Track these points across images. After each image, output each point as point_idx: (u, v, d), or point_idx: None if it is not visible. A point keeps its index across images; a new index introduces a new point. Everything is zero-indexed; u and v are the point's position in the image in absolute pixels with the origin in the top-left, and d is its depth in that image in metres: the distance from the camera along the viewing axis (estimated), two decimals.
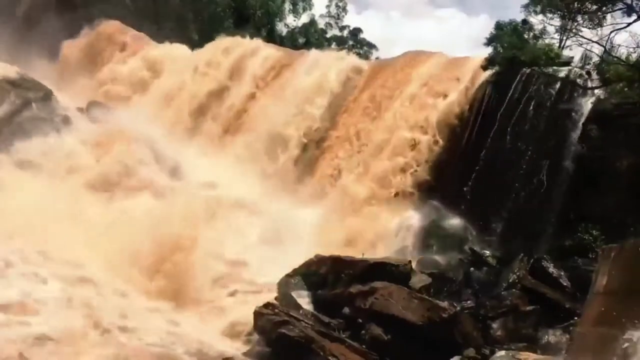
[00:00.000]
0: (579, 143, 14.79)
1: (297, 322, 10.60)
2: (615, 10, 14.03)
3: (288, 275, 12.77)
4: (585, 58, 16.82)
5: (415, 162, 17.44)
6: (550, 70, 16.19)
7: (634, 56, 14.33)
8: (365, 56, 32.11)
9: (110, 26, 27.83)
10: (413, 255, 14.44)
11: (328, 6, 37.76)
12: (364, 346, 10.55)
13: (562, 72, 16.16)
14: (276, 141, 20.52)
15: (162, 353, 10.57)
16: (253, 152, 20.67)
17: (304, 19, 36.49)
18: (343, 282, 12.03)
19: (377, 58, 31.47)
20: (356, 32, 37.70)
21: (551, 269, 12.38)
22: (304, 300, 12.04)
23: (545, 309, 11.49)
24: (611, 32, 14.05)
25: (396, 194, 17.11)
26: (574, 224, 13.62)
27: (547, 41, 16.99)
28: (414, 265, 13.01)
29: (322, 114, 20.53)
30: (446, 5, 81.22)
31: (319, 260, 12.77)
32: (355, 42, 37.20)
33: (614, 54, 14.49)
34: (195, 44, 26.48)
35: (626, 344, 5.81)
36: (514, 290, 11.99)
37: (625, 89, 14.25)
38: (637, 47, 13.88)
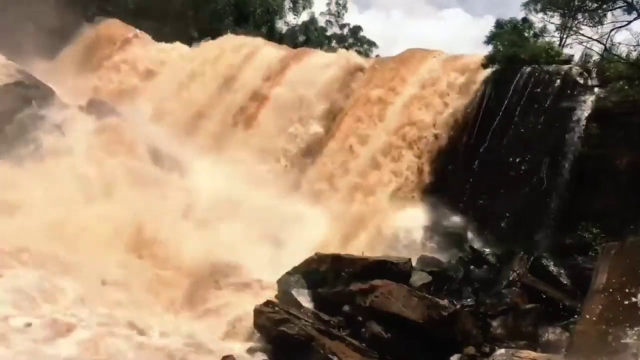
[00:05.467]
0: (579, 141, 14.80)
1: (297, 320, 10.60)
2: (616, 8, 14.06)
3: (288, 273, 12.77)
4: (586, 56, 16.88)
5: (416, 160, 17.44)
6: (550, 68, 16.20)
7: (634, 54, 14.38)
8: (365, 54, 32.13)
9: (110, 24, 27.79)
10: (413, 253, 14.43)
11: (328, 4, 37.77)
12: (363, 344, 10.55)
13: (563, 70, 16.17)
14: (276, 141, 20.51)
15: (162, 351, 10.60)
16: (253, 152, 20.65)
17: (304, 16, 36.51)
18: (343, 280, 12.01)
19: (377, 56, 31.47)
20: (356, 30, 37.67)
21: (551, 267, 12.42)
22: (304, 298, 12.04)
23: (545, 307, 11.49)
24: (611, 30, 14.08)
25: (397, 193, 17.12)
26: (574, 222, 13.62)
27: (547, 39, 17.08)
28: (414, 263, 13.00)
29: (322, 114, 20.50)
30: (449, 6, 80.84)
31: (319, 259, 12.76)
32: (355, 39, 37.19)
33: (614, 52, 14.51)
34: (195, 42, 26.46)
35: (626, 342, 5.82)
36: (514, 288, 11.99)
37: (626, 87, 14.26)
38: (638, 45, 13.91)
